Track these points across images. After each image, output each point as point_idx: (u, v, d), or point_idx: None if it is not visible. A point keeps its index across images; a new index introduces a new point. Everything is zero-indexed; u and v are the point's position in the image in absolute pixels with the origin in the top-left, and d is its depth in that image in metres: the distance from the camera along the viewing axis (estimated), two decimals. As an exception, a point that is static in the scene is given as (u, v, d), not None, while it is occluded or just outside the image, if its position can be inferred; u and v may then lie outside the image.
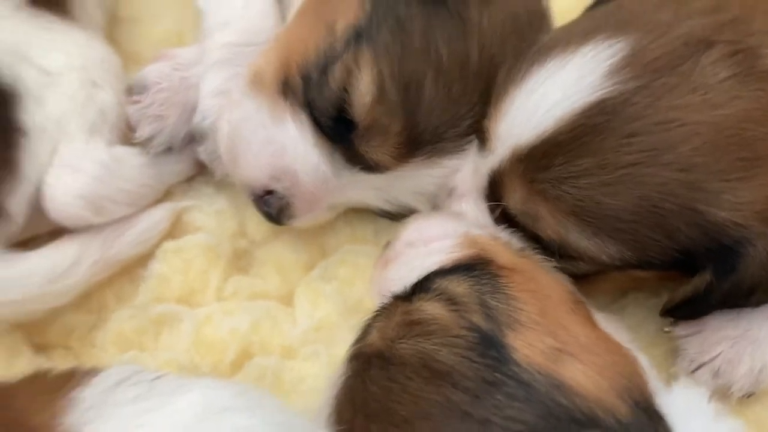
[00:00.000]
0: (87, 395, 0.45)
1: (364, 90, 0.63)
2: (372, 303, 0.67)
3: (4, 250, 0.68)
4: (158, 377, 0.48)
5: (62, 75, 0.72)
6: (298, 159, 0.66)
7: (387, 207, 0.70)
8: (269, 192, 0.68)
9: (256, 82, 0.69)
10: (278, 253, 0.74)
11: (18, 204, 0.68)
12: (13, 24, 0.72)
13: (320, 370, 0.66)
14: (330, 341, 0.68)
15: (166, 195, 0.77)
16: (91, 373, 0.48)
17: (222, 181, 0.77)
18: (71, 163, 0.70)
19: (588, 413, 0.46)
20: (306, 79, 0.66)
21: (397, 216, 0.72)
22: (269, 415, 0.47)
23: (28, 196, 0.69)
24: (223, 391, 0.48)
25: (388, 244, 0.64)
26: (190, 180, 0.78)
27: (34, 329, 0.72)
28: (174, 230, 0.75)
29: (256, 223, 0.76)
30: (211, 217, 0.76)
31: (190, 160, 0.78)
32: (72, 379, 0.47)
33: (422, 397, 0.47)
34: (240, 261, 0.75)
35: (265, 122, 0.67)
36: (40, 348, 0.72)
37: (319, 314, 0.70)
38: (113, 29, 0.87)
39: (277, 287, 0.72)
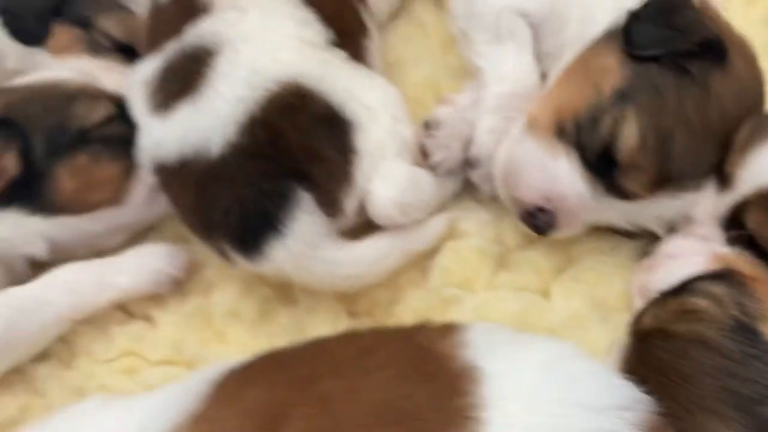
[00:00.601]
0: (471, 338, 0.64)
1: (628, 138, 0.81)
2: (614, 301, 0.86)
3: (340, 239, 0.90)
4: (517, 333, 0.67)
5: (378, 111, 0.93)
6: (567, 186, 0.85)
7: (628, 227, 0.88)
8: (540, 209, 0.87)
9: (533, 125, 0.88)
10: (533, 258, 0.93)
11: (351, 205, 0.89)
12: (345, 72, 0.94)
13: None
14: (583, 328, 0.86)
15: (441, 207, 0.97)
16: (463, 325, 0.67)
17: (483, 198, 0.98)
18: (387, 177, 0.90)
19: None
20: (578, 126, 0.84)
21: (632, 234, 0.90)
22: (595, 361, 0.65)
23: (357, 200, 0.91)
24: (562, 344, 0.67)
25: (645, 255, 0.82)
26: (459, 196, 0.98)
27: (349, 299, 0.92)
28: (450, 234, 0.95)
29: (510, 232, 0.95)
30: (476, 225, 0.95)
31: (461, 180, 0.98)
32: (452, 327, 0.67)
33: (700, 360, 0.64)
34: (502, 261, 0.94)
35: (542, 156, 0.86)
36: (352, 315, 0.93)
37: (572, 307, 0.88)
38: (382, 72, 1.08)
39: (535, 284, 0.91)
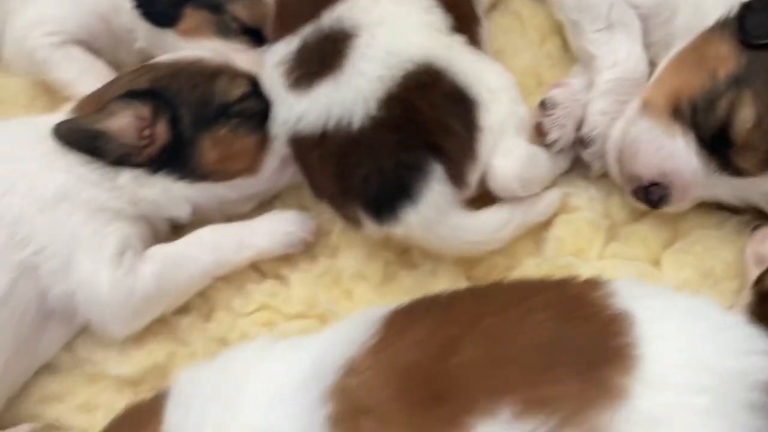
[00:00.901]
0: (618, 289, 0.71)
1: (745, 120, 0.87)
2: (722, 271, 0.92)
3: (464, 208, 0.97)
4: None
5: (498, 92, 0.99)
6: (683, 162, 0.91)
7: (736, 203, 0.94)
8: (654, 184, 0.93)
9: (647, 107, 0.94)
10: (642, 232, 0.98)
11: (474, 178, 0.96)
12: (467, 55, 1.00)
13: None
14: (694, 294, 0.91)
15: (552, 184, 1.03)
16: (606, 280, 0.73)
17: (591, 176, 1.03)
18: (508, 153, 0.96)
19: None
20: (694, 107, 0.90)
21: (738, 210, 0.96)
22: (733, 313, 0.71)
23: (479, 173, 0.97)
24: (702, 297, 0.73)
25: (756, 227, 0.88)
26: (568, 174, 1.04)
27: (468, 264, 0.99)
28: (562, 208, 1.01)
29: (618, 208, 1.01)
30: (586, 201, 1.01)
31: (571, 159, 1.04)
32: (597, 281, 0.73)
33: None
34: (612, 233, 1.00)
35: (659, 135, 0.92)
36: (471, 279, 0.99)
37: (682, 275, 0.93)
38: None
39: (645, 255, 0.97)
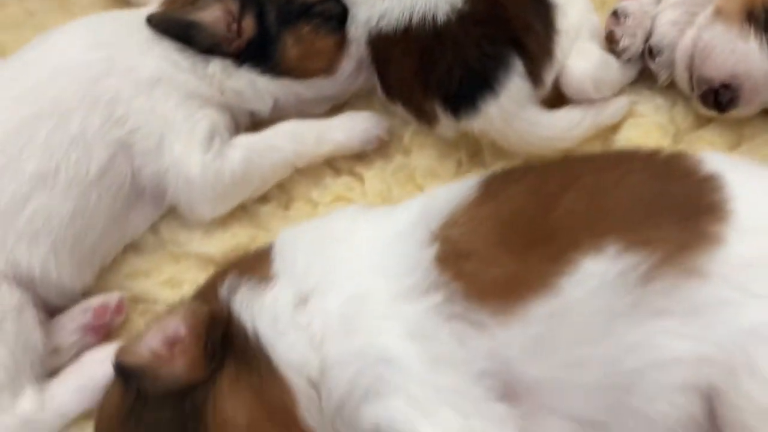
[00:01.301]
0: (705, 158, 0.74)
1: (817, 21, 0.90)
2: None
3: (541, 107, 1.00)
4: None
5: (573, -1, 1.03)
6: (755, 64, 0.94)
7: (805, 108, 0.97)
8: (724, 87, 0.96)
9: (721, 13, 0.97)
10: (707, 137, 1.01)
11: (550, 78, 0.99)
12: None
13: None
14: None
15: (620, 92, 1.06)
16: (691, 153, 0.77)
17: (656, 87, 1.06)
18: (583, 55, 0.99)
19: None
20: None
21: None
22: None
23: (555, 74, 1.00)
24: None
25: None
26: (633, 84, 1.07)
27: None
28: (629, 113, 1.04)
29: (683, 117, 1.04)
30: (651, 108, 1.05)
31: (639, 69, 1.07)
32: (684, 153, 0.76)
33: None
34: (678, 138, 1.03)
35: (732, 39, 0.95)
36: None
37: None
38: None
39: (711, 159, 1.00)
